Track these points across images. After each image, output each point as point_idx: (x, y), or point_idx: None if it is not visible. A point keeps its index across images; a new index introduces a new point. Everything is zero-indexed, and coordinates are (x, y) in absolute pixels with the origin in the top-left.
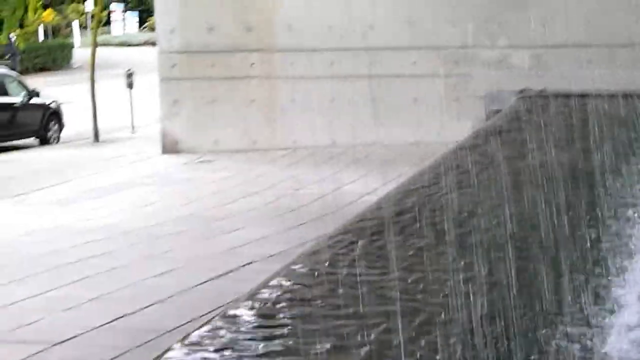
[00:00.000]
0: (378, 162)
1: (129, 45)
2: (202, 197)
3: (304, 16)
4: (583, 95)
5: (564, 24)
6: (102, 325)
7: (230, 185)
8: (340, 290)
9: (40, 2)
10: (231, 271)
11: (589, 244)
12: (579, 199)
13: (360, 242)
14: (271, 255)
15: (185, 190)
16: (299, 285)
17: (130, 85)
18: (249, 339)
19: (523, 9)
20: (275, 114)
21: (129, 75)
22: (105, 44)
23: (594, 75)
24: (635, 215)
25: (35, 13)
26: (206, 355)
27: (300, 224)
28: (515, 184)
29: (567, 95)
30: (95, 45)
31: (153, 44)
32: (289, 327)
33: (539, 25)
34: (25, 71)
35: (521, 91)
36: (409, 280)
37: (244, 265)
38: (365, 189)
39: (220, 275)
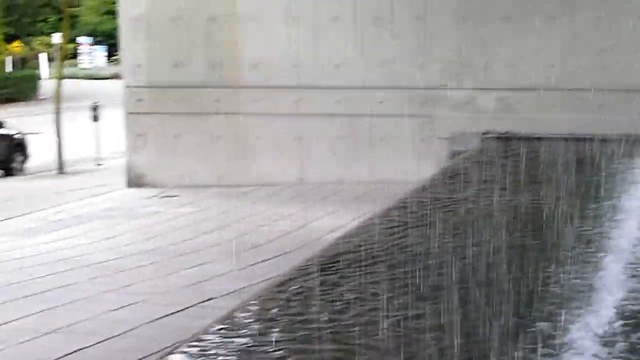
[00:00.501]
0: (344, 199)
1: (97, 78)
2: (165, 231)
3: (270, 53)
4: (545, 138)
5: (530, 67)
6: (60, 358)
7: (195, 220)
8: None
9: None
10: (191, 306)
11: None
12: (523, 242)
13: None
14: (232, 292)
15: (149, 224)
16: (236, 334)
17: (95, 118)
18: None
19: (489, 52)
20: (242, 150)
21: (95, 108)
22: (73, 77)
23: (557, 119)
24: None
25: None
26: None
27: (264, 260)
28: (466, 226)
29: (529, 138)
30: (62, 77)
31: (121, 77)
32: None
33: (505, 67)
34: None
35: (485, 133)
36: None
37: (204, 301)
38: (330, 225)
39: (180, 310)
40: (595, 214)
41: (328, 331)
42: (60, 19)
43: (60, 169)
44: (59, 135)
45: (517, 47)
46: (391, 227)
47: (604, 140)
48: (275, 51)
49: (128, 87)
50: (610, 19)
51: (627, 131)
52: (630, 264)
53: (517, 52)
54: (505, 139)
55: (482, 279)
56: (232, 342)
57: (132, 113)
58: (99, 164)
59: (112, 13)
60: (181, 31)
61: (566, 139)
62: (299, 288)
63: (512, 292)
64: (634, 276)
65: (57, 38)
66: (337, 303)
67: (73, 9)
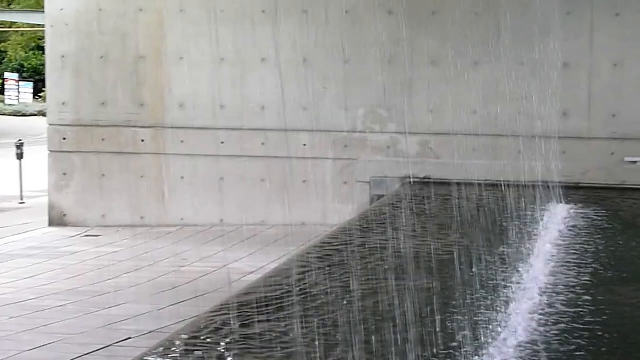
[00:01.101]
0: (265, 241)
1: (23, 115)
2: (85, 271)
3: (196, 94)
4: (463, 183)
5: (452, 112)
6: None
7: (115, 260)
8: None
9: None
10: (107, 346)
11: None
12: (430, 287)
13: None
14: (149, 332)
15: (69, 264)
16: None
17: (20, 156)
18: None
19: (413, 96)
20: (165, 190)
21: (19, 146)
22: None
23: (477, 164)
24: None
25: None
26: None
27: (182, 301)
28: (381, 273)
29: (449, 183)
30: None
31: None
32: None
33: (428, 112)
34: None
35: (405, 178)
36: None
37: (120, 341)
38: (250, 267)
39: (96, 350)
40: (497, 259)
41: None
42: None
43: None
44: None
45: (440, 92)
46: (302, 272)
47: (518, 186)
48: (201, 91)
49: (52, 125)
50: (532, 66)
51: (542, 178)
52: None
53: (440, 96)
54: (425, 183)
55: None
56: None
57: (55, 151)
58: (21, 203)
59: (40, 49)
60: (108, 69)
61: (482, 185)
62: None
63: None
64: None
65: None
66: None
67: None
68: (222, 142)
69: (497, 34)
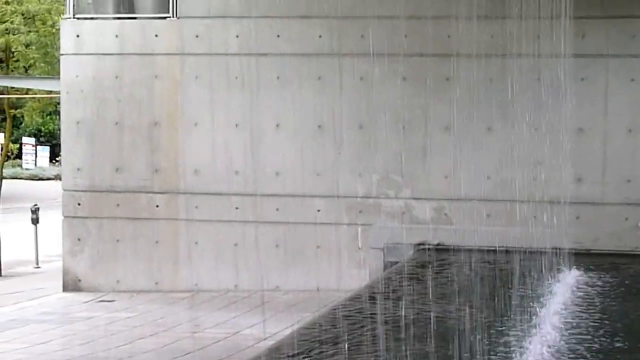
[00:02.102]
0: (279, 307)
1: (40, 179)
2: (99, 337)
3: (210, 160)
4: (477, 250)
5: (466, 177)
6: None
7: (130, 326)
8: None
9: None
10: None
11: None
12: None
13: None
14: None
15: (83, 330)
16: None
17: (35, 221)
18: None
19: (427, 161)
20: (179, 256)
21: (35, 211)
22: (16, 177)
23: (493, 230)
24: None
25: None
26: None
27: None
28: (394, 341)
29: (462, 250)
30: (2, 178)
31: None
32: None
33: (442, 177)
34: None
35: (419, 244)
36: None
37: None
38: (263, 334)
39: None
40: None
41: None
42: (4, 119)
43: None
44: None
45: (455, 157)
46: (312, 342)
47: (530, 253)
48: (216, 157)
49: (66, 190)
50: (547, 131)
51: (555, 244)
52: None
53: (455, 162)
54: (438, 250)
55: None
56: None
57: (70, 217)
58: (36, 267)
59: (57, 113)
60: (123, 135)
61: (495, 251)
62: None
63: None
64: None
65: (0, 138)
66: None
67: (16, 111)
68: (237, 208)
69: (511, 100)
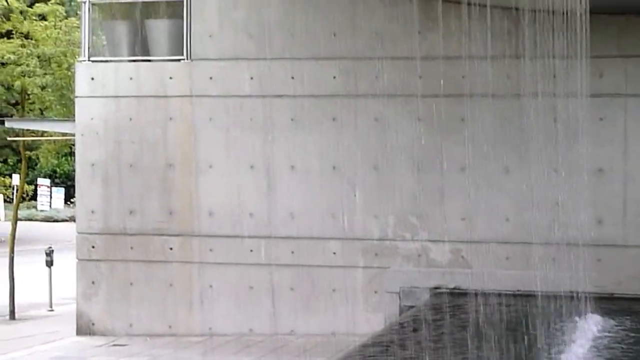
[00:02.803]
0: (293, 352)
1: (54, 220)
2: None
3: (224, 202)
4: (495, 294)
5: (483, 219)
6: None
7: None
8: None
9: None
10: None
11: None
12: None
13: None
14: None
15: None
16: None
17: (49, 263)
18: None
19: (444, 203)
20: (193, 299)
21: (49, 253)
22: (30, 219)
23: (511, 274)
24: None
25: None
26: None
27: None
28: None
29: (479, 294)
30: (17, 220)
31: None
32: None
33: (459, 219)
34: None
35: (435, 288)
36: None
37: None
38: None
39: None
40: None
41: None
42: (19, 161)
43: (12, 315)
44: (11, 280)
45: (472, 199)
46: None
47: (549, 297)
48: (230, 199)
49: (80, 233)
50: (565, 172)
51: (575, 288)
52: None
53: (472, 203)
54: (455, 294)
55: None
56: None
57: (84, 260)
58: (50, 310)
59: (72, 155)
60: (138, 177)
61: (513, 296)
62: None
63: None
64: None
65: (16, 180)
66: None
67: (31, 152)
68: (251, 250)
69: (528, 140)
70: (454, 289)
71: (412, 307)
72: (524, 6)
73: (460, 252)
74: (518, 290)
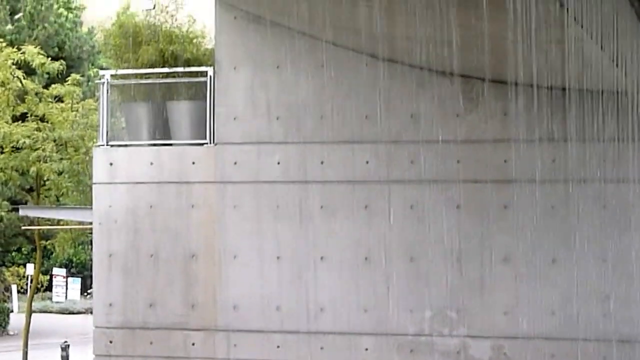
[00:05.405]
0: None
1: (70, 312)
2: None
3: (250, 295)
4: None
5: (527, 313)
6: None
7: None
8: None
9: None
10: None
11: None
12: None
13: None
14: None
15: None
16: None
17: (65, 359)
18: None
19: (484, 296)
20: None
21: (64, 348)
22: (45, 311)
23: None
24: None
25: None
26: None
27: None
28: None
29: None
30: (31, 312)
31: None
32: None
33: (501, 313)
34: None
35: None
36: None
37: None
38: None
39: None
40: None
41: None
42: (34, 250)
43: None
44: None
45: (515, 291)
46: None
47: None
48: (256, 292)
49: (98, 327)
50: (616, 263)
51: None
52: None
53: (515, 296)
54: None
55: None
56: None
57: (101, 355)
58: None
59: (89, 243)
60: (158, 268)
61: None
62: None
63: None
64: None
65: (30, 269)
66: None
67: (47, 242)
68: (278, 346)
69: (575, 228)
70: None
71: None
72: (572, 86)
73: (503, 348)
74: None
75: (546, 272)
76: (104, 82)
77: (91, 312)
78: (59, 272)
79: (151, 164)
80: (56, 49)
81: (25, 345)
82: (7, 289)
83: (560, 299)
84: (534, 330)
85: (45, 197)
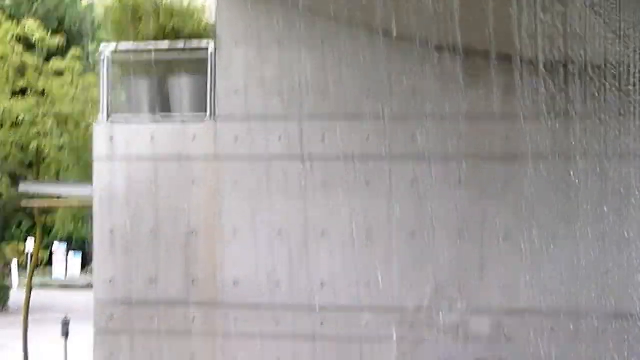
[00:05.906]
0: None
1: (71, 288)
2: None
3: (250, 271)
4: None
5: (526, 289)
6: None
7: None
8: None
9: None
10: None
11: None
12: None
13: None
14: None
15: None
16: None
17: (65, 334)
18: None
19: (484, 273)
20: None
21: (65, 324)
22: (46, 286)
23: (555, 348)
24: None
25: None
26: None
27: None
28: None
29: None
30: (31, 288)
31: None
32: None
33: (499, 290)
34: None
35: None
36: None
37: None
38: None
39: None
40: None
41: None
42: (34, 225)
43: None
44: (25, 354)
45: (515, 268)
46: None
47: None
48: (256, 267)
49: (98, 302)
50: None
51: None
52: None
53: (514, 274)
54: None
55: None
56: None
57: (101, 331)
58: None
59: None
60: (159, 244)
61: None
62: None
63: None
64: None
65: (30, 245)
66: None
67: (47, 217)
68: (278, 322)
69: (576, 206)
70: None
71: None
72: (575, 60)
73: (502, 322)
74: None
75: (547, 248)
76: (104, 58)
77: (91, 287)
78: (59, 247)
79: (152, 139)
80: (56, 24)
81: (26, 320)
82: (7, 264)
83: (560, 276)
84: (533, 306)
85: (46, 172)
